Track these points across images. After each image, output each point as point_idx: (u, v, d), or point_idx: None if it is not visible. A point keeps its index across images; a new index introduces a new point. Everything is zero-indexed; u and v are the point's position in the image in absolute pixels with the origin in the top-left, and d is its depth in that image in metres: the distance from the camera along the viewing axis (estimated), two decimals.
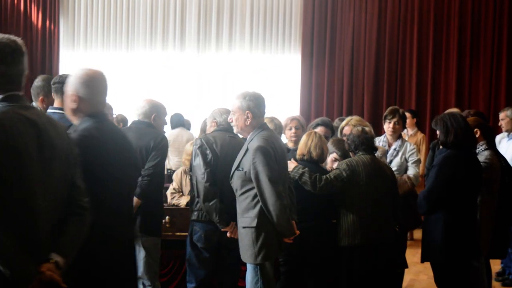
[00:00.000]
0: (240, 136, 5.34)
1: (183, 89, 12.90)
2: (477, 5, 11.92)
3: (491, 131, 6.40)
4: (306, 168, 5.45)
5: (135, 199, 5.09)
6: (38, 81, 5.95)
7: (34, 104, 5.97)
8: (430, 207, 5.37)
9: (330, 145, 5.97)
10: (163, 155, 5.37)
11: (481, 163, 5.62)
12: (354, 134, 5.64)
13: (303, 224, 5.45)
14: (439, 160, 5.40)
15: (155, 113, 5.41)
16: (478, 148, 5.91)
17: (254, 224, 4.82)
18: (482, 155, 5.87)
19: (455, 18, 11.90)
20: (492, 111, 11.59)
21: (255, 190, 4.80)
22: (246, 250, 4.87)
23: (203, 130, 6.80)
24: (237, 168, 4.92)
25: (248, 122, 4.92)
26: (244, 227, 4.88)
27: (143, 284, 5.26)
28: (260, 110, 4.97)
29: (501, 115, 8.50)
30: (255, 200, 4.82)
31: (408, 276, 7.40)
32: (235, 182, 4.94)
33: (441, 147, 5.56)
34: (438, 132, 5.50)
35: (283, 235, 4.91)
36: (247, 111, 4.90)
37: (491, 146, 6.06)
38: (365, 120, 7.35)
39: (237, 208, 4.96)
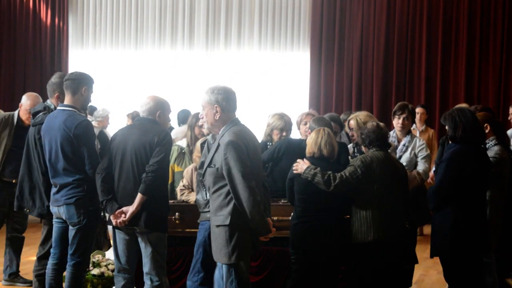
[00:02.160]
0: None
1: (191, 87, 12.90)
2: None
3: (501, 126, 6.40)
4: (318, 168, 5.41)
5: (139, 195, 5.13)
6: (54, 78, 5.98)
7: (49, 101, 6.01)
8: (439, 202, 5.36)
9: (310, 122, 6.10)
10: (167, 151, 5.37)
11: (491, 158, 5.60)
12: (369, 129, 5.59)
13: (315, 220, 5.47)
14: (448, 155, 5.38)
15: (159, 110, 5.41)
16: (488, 143, 5.90)
17: (227, 222, 4.68)
18: (492, 150, 5.86)
19: (465, 12, 11.84)
20: (502, 106, 11.55)
21: (228, 187, 4.67)
22: (220, 249, 4.72)
23: (191, 126, 6.83)
24: (209, 165, 4.80)
25: (218, 116, 4.80)
26: (217, 226, 4.74)
27: (151, 280, 5.27)
28: (230, 104, 4.85)
29: None
30: (229, 198, 4.68)
31: (418, 272, 7.39)
32: (208, 180, 4.83)
33: (449, 142, 5.55)
34: (447, 127, 5.49)
35: (257, 233, 4.75)
36: (215, 105, 4.79)
37: (501, 141, 6.04)
38: (374, 116, 7.35)
39: (210, 206, 4.86)
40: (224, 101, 4.80)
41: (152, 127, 5.31)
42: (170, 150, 5.56)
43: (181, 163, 6.86)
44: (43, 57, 13.23)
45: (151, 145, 5.19)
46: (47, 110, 5.89)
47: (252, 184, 4.61)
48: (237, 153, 4.61)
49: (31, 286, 6.74)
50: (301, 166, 5.50)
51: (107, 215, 5.49)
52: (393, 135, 6.63)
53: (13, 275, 7.34)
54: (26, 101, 7.08)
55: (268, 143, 6.57)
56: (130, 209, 5.14)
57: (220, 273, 4.83)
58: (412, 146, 6.51)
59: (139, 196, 5.12)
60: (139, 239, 5.24)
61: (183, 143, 6.98)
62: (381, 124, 5.73)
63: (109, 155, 5.32)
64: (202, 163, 5.11)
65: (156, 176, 5.16)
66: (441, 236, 5.40)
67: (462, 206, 5.33)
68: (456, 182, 5.29)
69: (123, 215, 5.17)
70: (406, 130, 6.63)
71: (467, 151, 5.36)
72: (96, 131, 6.61)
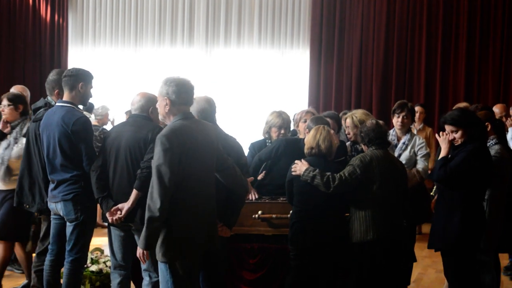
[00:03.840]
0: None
1: None
2: None
3: (502, 125, 6.40)
4: (317, 170, 5.42)
5: (134, 191, 5.11)
6: (52, 75, 5.98)
7: (49, 98, 6.00)
8: (448, 177, 5.33)
9: (308, 121, 6.06)
10: None
11: (492, 157, 5.61)
12: (369, 127, 5.58)
13: (315, 219, 5.47)
14: (471, 149, 5.39)
15: (152, 106, 5.40)
16: (489, 142, 5.91)
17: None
18: (493, 149, 5.87)
19: (464, 12, 11.83)
20: None
21: None
22: (158, 247, 4.58)
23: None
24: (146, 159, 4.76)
25: (167, 109, 4.66)
26: None
27: (149, 276, 5.26)
28: (181, 97, 4.66)
29: None
30: None
31: (416, 270, 7.39)
32: (153, 177, 4.57)
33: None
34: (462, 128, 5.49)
35: (140, 241, 4.56)
36: (165, 97, 4.66)
37: (502, 141, 6.05)
38: (373, 115, 7.35)
39: None
40: (174, 94, 4.64)
41: (145, 123, 5.30)
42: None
43: None
44: (42, 54, 13.22)
45: (145, 141, 5.17)
46: (48, 106, 5.89)
47: (163, 184, 4.40)
48: (162, 149, 4.45)
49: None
50: (299, 167, 5.50)
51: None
52: (392, 134, 6.63)
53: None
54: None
55: (267, 141, 6.57)
56: (125, 206, 5.12)
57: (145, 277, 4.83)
58: (412, 145, 6.51)
59: (134, 192, 5.10)
60: (136, 236, 5.23)
61: None
62: (381, 122, 5.72)
63: (103, 152, 5.31)
64: None
65: (150, 172, 5.14)
66: (448, 231, 5.39)
67: (471, 203, 5.35)
68: (467, 175, 5.30)
69: (118, 212, 5.16)
70: (406, 128, 6.63)
71: (483, 150, 5.41)
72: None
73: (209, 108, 5.48)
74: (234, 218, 5.38)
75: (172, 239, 4.53)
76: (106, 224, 5.45)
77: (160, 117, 4.85)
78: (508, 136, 8.22)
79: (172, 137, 4.49)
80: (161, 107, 4.71)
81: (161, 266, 4.61)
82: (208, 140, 4.76)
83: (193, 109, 5.12)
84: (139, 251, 4.57)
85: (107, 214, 5.21)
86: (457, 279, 5.46)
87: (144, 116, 5.37)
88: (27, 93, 7.50)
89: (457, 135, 5.45)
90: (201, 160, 4.66)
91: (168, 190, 4.42)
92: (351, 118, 6.26)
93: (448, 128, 5.50)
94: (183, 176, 4.50)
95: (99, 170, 5.27)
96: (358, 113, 6.32)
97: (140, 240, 4.54)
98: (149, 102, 5.41)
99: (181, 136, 4.53)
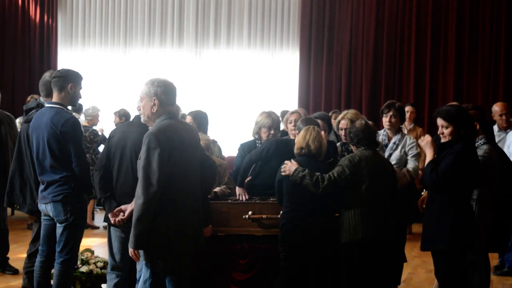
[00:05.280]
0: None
1: (181, 87, 12.82)
2: None
3: (490, 125, 6.43)
4: (307, 170, 5.42)
5: None
6: (46, 76, 5.94)
7: (41, 99, 5.98)
8: (439, 182, 5.35)
9: (299, 122, 6.08)
10: None
11: (480, 157, 5.63)
12: (358, 128, 5.59)
13: (304, 219, 5.49)
14: (458, 151, 5.40)
15: None
16: (477, 142, 5.92)
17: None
18: (481, 149, 5.87)
19: (453, 12, 11.89)
20: (490, 105, 11.58)
21: None
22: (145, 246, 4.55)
23: None
24: (139, 158, 4.65)
25: (155, 109, 4.66)
26: None
27: None
28: (169, 98, 4.69)
29: None
30: None
31: (406, 270, 7.40)
32: (138, 173, 4.60)
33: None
34: (452, 126, 5.49)
35: (130, 240, 4.51)
36: (154, 98, 4.65)
37: (490, 140, 6.07)
38: (363, 115, 7.35)
39: None
40: (163, 95, 4.66)
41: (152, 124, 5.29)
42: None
43: None
44: (32, 55, 13.21)
45: None
46: (40, 107, 5.87)
47: (151, 183, 4.41)
48: (150, 147, 4.45)
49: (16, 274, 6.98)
50: (289, 167, 5.51)
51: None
52: (383, 134, 6.64)
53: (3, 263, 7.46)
54: None
55: (257, 142, 6.57)
56: (129, 208, 5.02)
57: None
58: (403, 144, 6.52)
59: None
60: None
61: None
62: (370, 122, 5.74)
63: (107, 152, 5.27)
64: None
65: None
66: (440, 232, 5.41)
67: (461, 204, 5.37)
68: (457, 176, 5.33)
69: (121, 214, 5.09)
70: (395, 128, 6.63)
71: (471, 150, 5.44)
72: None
73: None
74: (210, 216, 5.46)
75: (161, 239, 4.50)
76: (96, 225, 5.44)
77: (143, 117, 4.82)
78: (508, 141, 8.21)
79: (160, 135, 4.49)
80: (148, 108, 4.69)
81: (144, 268, 4.64)
82: (193, 138, 4.80)
83: None
84: (131, 250, 4.56)
85: (110, 215, 5.14)
86: (449, 279, 5.48)
87: None
88: None
89: (447, 131, 5.43)
90: (188, 158, 4.67)
91: (156, 189, 4.41)
92: (347, 120, 6.25)
93: (439, 122, 5.49)
94: (171, 175, 4.48)
95: (103, 170, 5.23)
96: (350, 114, 6.33)
97: (130, 239, 4.50)
98: None
99: (169, 134, 4.54)
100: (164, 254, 4.56)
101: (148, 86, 4.71)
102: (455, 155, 5.32)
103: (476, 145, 5.84)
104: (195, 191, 4.73)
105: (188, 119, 6.94)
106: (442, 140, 5.47)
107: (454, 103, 8.11)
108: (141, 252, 4.57)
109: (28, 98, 9.27)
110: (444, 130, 5.45)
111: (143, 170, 4.44)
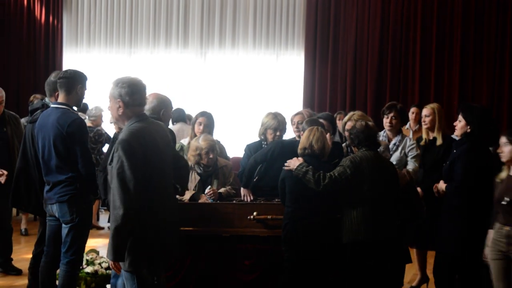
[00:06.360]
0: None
1: (186, 88, 12.92)
2: None
3: (496, 127, 6.47)
4: (310, 166, 5.46)
5: None
6: (53, 77, 5.95)
7: (47, 99, 6.00)
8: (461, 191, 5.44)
9: (303, 123, 6.12)
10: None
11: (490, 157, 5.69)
12: (358, 129, 5.62)
13: (306, 219, 5.50)
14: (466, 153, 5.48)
15: (163, 108, 5.39)
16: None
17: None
18: None
19: (459, 12, 11.86)
20: (496, 106, 11.60)
21: None
22: (125, 256, 4.34)
23: (193, 124, 6.97)
24: (109, 163, 4.45)
25: (120, 111, 4.43)
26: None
27: None
28: (134, 98, 4.42)
29: None
30: None
31: (411, 271, 7.40)
32: (109, 177, 4.48)
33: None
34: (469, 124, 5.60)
35: (108, 252, 4.24)
36: (118, 99, 4.43)
37: (496, 143, 6.08)
38: (368, 116, 7.36)
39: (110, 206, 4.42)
40: (128, 96, 4.40)
41: None
42: (174, 148, 5.55)
43: None
44: (37, 56, 13.22)
45: None
46: (45, 107, 5.89)
47: (126, 192, 4.17)
48: (125, 154, 4.21)
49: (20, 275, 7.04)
50: (293, 163, 5.55)
51: None
52: (383, 135, 6.67)
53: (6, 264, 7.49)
54: None
55: (263, 143, 6.58)
56: None
57: (122, 279, 4.59)
58: (403, 146, 6.55)
59: None
60: None
61: (185, 141, 7.01)
62: (370, 123, 5.77)
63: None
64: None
65: None
66: (452, 235, 5.46)
67: (477, 207, 5.43)
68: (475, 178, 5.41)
69: None
70: (396, 129, 6.67)
71: (484, 149, 5.53)
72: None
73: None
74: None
75: (140, 248, 4.32)
76: (101, 225, 5.45)
77: (112, 120, 4.70)
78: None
79: (133, 141, 4.27)
80: (114, 110, 4.48)
81: (127, 276, 4.39)
82: (166, 140, 4.63)
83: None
84: (110, 263, 4.35)
85: None
86: (448, 283, 5.52)
87: (155, 118, 5.37)
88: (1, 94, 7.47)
89: (459, 125, 5.76)
90: (163, 163, 4.49)
91: (133, 197, 4.19)
92: (353, 122, 6.25)
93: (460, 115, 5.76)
94: (147, 180, 4.28)
95: (107, 171, 5.19)
96: (357, 115, 6.34)
97: (108, 251, 4.25)
98: (162, 103, 5.39)
99: (142, 139, 4.32)
100: (145, 263, 4.37)
101: (113, 87, 4.50)
102: (464, 161, 5.41)
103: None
104: (170, 193, 4.60)
105: (202, 120, 6.94)
106: (455, 133, 5.57)
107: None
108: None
109: (31, 98, 9.28)
110: (458, 123, 5.62)
111: (118, 178, 4.19)
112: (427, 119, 7.02)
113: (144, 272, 4.37)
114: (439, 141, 6.84)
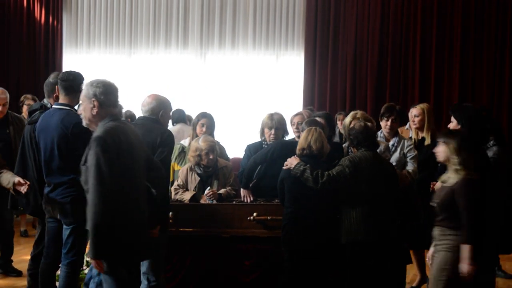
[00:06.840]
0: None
1: (186, 89, 12.91)
2: None
3: (499, 127, 6.45)
4: (308, 165, 5.46)
5: None
6: (53, 78, 5.95)
7: (45, 100, 5.99)
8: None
9: (303, 125, 6.10)
10: (170, 150, 5.39)
11: (490, 158, 5.66)
12: (357, 130, 5.63)
13: (305, 220, 5.50)
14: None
15: (162, 110, 5.40)
16: (488, 143, 5.96)
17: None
18: (491, 150, 5.89)
19: (459, 12, 11.84)
20: (496, 106, 11.59)
21: None
22: None
23: (194, 125, 7.07)
24: (84, 163, 4.46)
25: (95, 111, 4.46)
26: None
27: (148, 280, 5.26)
28: (109, 98, 4.47)
29: None
30: None
31: (410, 272, 7.40)
32: (83, 178, 4.46)
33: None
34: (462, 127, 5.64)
35: (90, 251, 4.29)
36: (93, 99, 4.44)
37: (499, 142, 6.07)
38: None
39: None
40: (103, 95, 4.45)
41: (154, 127, 5.30)
42: (172, 150, 5.55)
43: (181, 162, 6.89)
44: (37, 57, 13.20)
45: (154, 145, 5.16)
46: (44, 108, 5.88)
47: (104, 188, 4.21)
48: (100, 150, 4.25)
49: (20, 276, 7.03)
50: (291, 161, 5.56)
51: None
52: (380, 136, 6.66)
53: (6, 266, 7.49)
54: None
55: (263, 143, 6.58)
56: None
57: (99, 279, 4.61)
58: (401, 147, 6.56)
59: None
60: None
61: (186, 142, 7.01)
62: (369, 124, 5.77)
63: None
64: None
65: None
66: None
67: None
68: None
69: None
70: (394, 131, 6.67)
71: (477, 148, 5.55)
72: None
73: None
74: (164, 218, 5.35)
75: (115, 248, 4.32)
76: None
77: (84, 121, 4.64)
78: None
79: (108, 138, 4.30)
80: (87, 110, 4.50)
81: (105, 277, 4.42)
82: (139, 140, 4.65)
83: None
84: (93, 262, 4.38)
85: None
86: None
87: (154, 119, 5.37)
88: (6, 96, 7.48)
89: (451, 125, 5.86)
90: (137, 163, 4.51)
91: (109, 193, 4.22)
92: (356, 120, 6.25)
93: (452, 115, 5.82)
94: (121, 178, 4.31)
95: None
96: (360, 114, 6.32)
97: (89, 250, 4.29)
98: (161, 105, 5.40)
99: (117, 137, 4.36)
100: (125, 260, 4.41)
101: (87, 87, 4.53)
102: None
103: (486, 147, 5.87)
104: (143, 192, 4.59)
105: (204, 121, 6.94)
106: None
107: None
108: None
109: (22, 98, 9.27)
110: (451, 124, 5.78)
111: (94, 176, 4.22)
112: (417, 119, 7.04)
113: (122, 272, 4.42)
114: (427, 141, 6.86)
